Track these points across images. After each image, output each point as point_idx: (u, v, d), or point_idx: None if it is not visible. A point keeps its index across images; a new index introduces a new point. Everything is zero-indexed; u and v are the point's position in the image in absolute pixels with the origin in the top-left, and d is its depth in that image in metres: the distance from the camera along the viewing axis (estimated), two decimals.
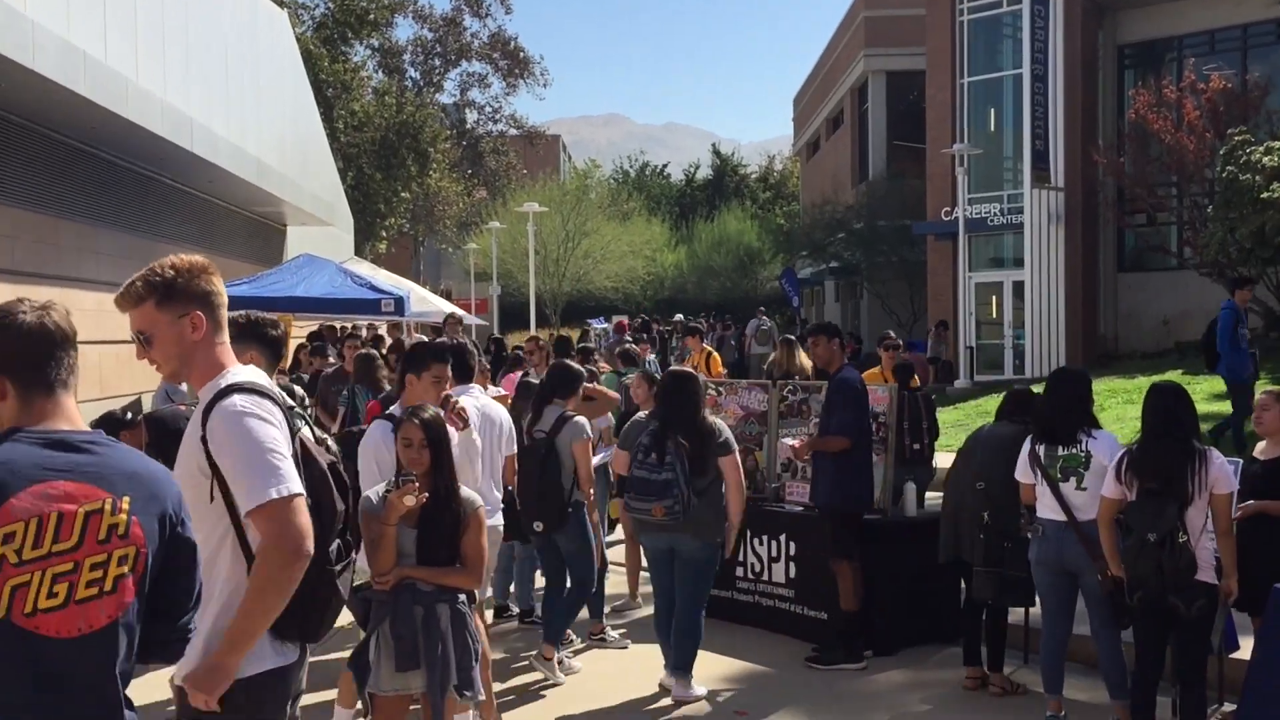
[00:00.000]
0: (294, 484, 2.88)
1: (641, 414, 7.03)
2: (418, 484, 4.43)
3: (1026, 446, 6.00)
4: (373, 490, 4.67)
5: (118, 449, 2.45)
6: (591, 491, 6.95)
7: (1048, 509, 5.87)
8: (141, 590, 2.40)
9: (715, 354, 15.86)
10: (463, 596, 4.59)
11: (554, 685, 6.73)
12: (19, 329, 2.45)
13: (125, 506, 2.37)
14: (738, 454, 6.54)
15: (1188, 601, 5.26)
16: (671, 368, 8.13)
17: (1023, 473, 5.99)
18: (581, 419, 6.96)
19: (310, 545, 2.86)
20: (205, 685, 2.85)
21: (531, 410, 7.03)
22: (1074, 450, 5.81)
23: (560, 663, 6.84)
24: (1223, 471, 5.32)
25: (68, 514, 2.30)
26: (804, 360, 9.93)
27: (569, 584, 7.03)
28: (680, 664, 6.43)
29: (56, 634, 2.28)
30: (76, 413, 2.50)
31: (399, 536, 4.48)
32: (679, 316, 35.03)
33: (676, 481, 6.17)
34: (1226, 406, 14.59)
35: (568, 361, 7.78)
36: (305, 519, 2.87)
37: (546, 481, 6.72)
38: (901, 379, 9.63)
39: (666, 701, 6.48)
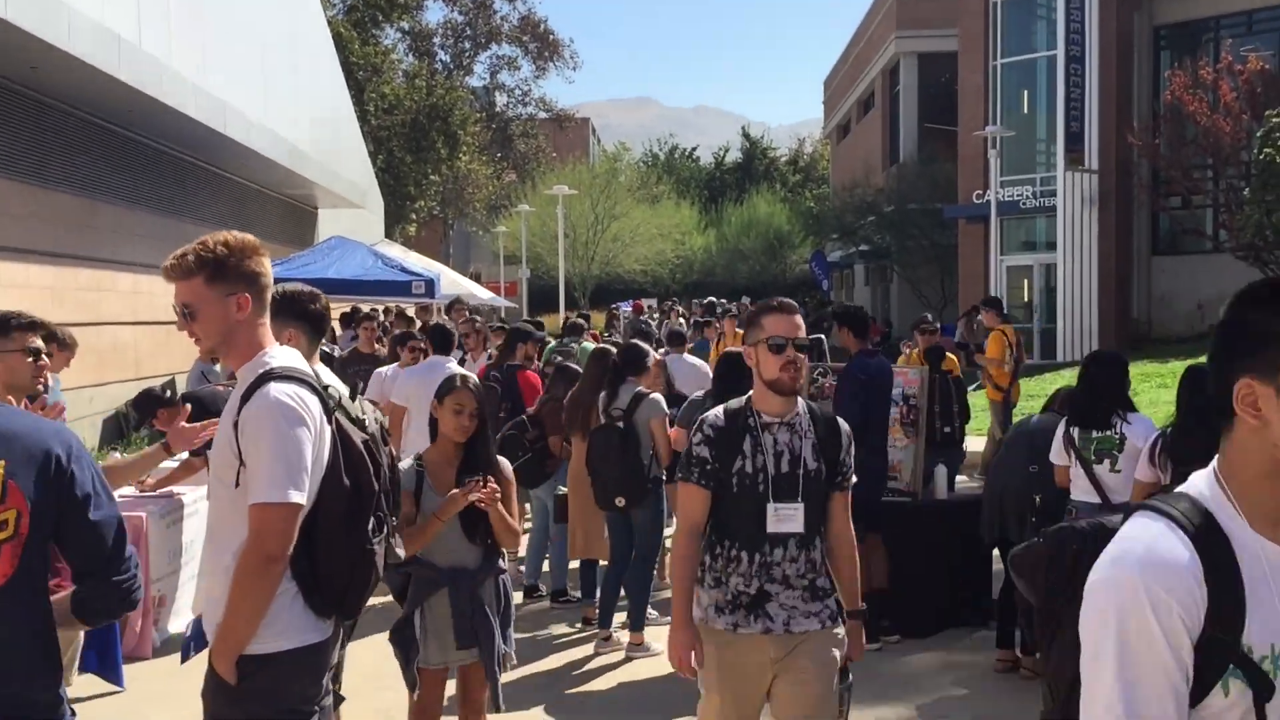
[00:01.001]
0: (301, 494, 2.91)
1: (699, 393, 7.28)
2: (485, 484, 4.37)
3: (1060, 429, 5.99)
4: (409, 464, 4.61)
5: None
6: None
7: (1081, 491, 5.87)
8: (35, 549, 2.40)
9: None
10: (505, 572, 4.65)
11: (586, 667, 6.80)
12: None
13: (0, 470, 2.35)
14: None
15: None
16: (727, 349, 8.19)
17: (1057, 455, 5.99)
18: (657, 395, 7.21)
19: (284, 559, 2.89)
20: (220, 669, 2.94)
21: (607, 389, 7.14)
22: (1108, 433, 5.80)
23: (641, 642, 6.97)
24: None
25: None
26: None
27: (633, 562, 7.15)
28: None
29: None
30: None
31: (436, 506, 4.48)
32: (710, 299, 35.04)
33: None
34: None
35: (638, 341, 7.93)
36: (292, 531, 2.91)
37: (628, 458, 6.88)
38: (933, 362, 9.62)
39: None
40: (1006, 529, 6.53)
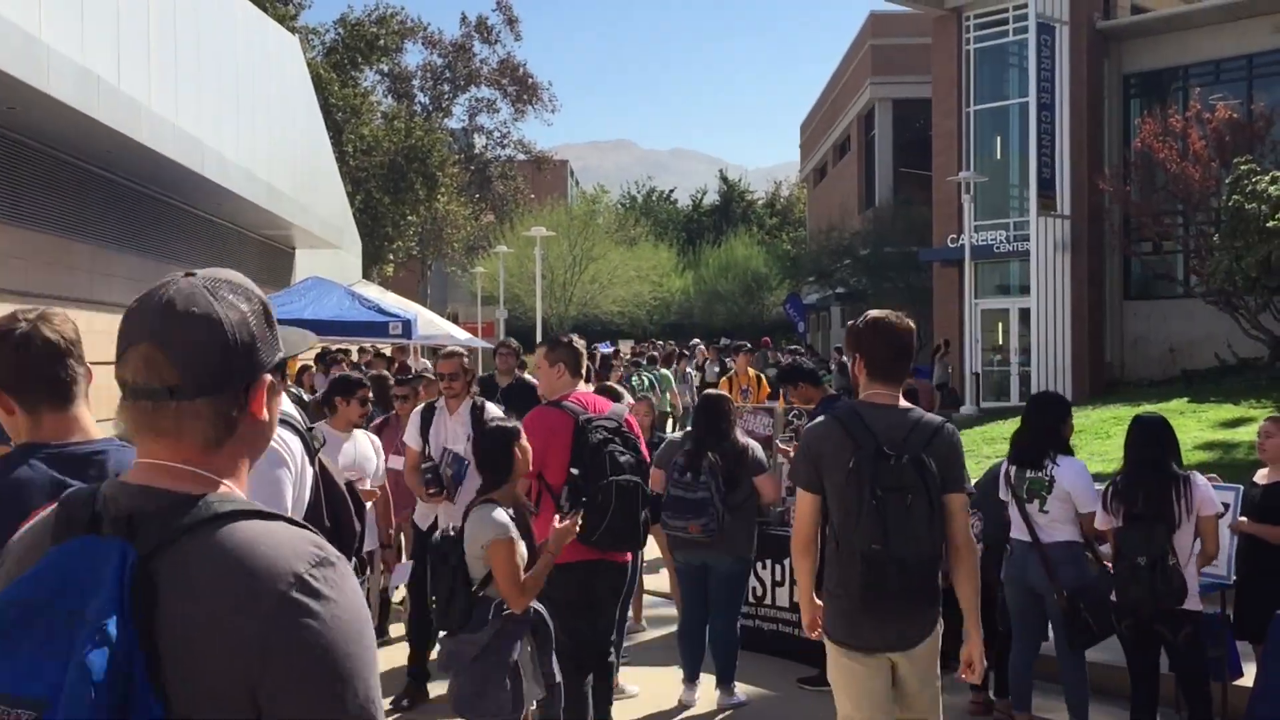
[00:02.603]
0: None
1: (676, 434, 7.30)
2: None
3: (1001, 468, 6.12)
4: (500, 512, 4.54)
5: (125, 453, 2.43)
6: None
7: (1017, 530, 5.99)
8: None
9: (762, 375, 16.21)
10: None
11: None
12: (14, 342, 2.44)
13: None
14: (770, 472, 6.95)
15: (1174, 630, 5.33)
16: (706, 391, 8.23)
17: (1003, 493, 6.10)
18: None
19: None
20: None
21: None
22: (1040, 474, 5.90)
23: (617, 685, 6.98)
24: (1207, 494, 5.41)
25: None
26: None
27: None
28: (724, 674, 6.75)
29: None
30: (89, 421, 2.48)
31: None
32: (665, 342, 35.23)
33: (711, 500, 6.37)
34: (1231, 435, 14.62)
35: (613, 384, 7.94)
36: None
37: None
38: None
39: (687, 714, 6.66)
40: (986, 569, 6.57)
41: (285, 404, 3.15)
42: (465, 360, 6.82)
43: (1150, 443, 5.51)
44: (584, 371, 5.67)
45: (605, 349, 34.53)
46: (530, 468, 4.79)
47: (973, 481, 7.24)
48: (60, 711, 1.27)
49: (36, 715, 1.28)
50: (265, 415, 1.54)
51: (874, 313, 4.35)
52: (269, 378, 1.54)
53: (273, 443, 2.93)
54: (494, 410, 6.94)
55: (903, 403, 4.21)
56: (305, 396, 10.80)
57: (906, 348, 4.25)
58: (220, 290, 1.51)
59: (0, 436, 8.11)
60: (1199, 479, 5.44)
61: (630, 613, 7.48)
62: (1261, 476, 6.19)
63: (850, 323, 4.51)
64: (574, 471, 5.15)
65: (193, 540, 1.39)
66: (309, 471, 3.06)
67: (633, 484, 5.21)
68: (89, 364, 2.58)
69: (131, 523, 1.41)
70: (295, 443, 3.03)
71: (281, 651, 1.34)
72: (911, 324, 4.33)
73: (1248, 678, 5.97)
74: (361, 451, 6.50)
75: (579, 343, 5.67)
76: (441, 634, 4.67)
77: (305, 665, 1.35)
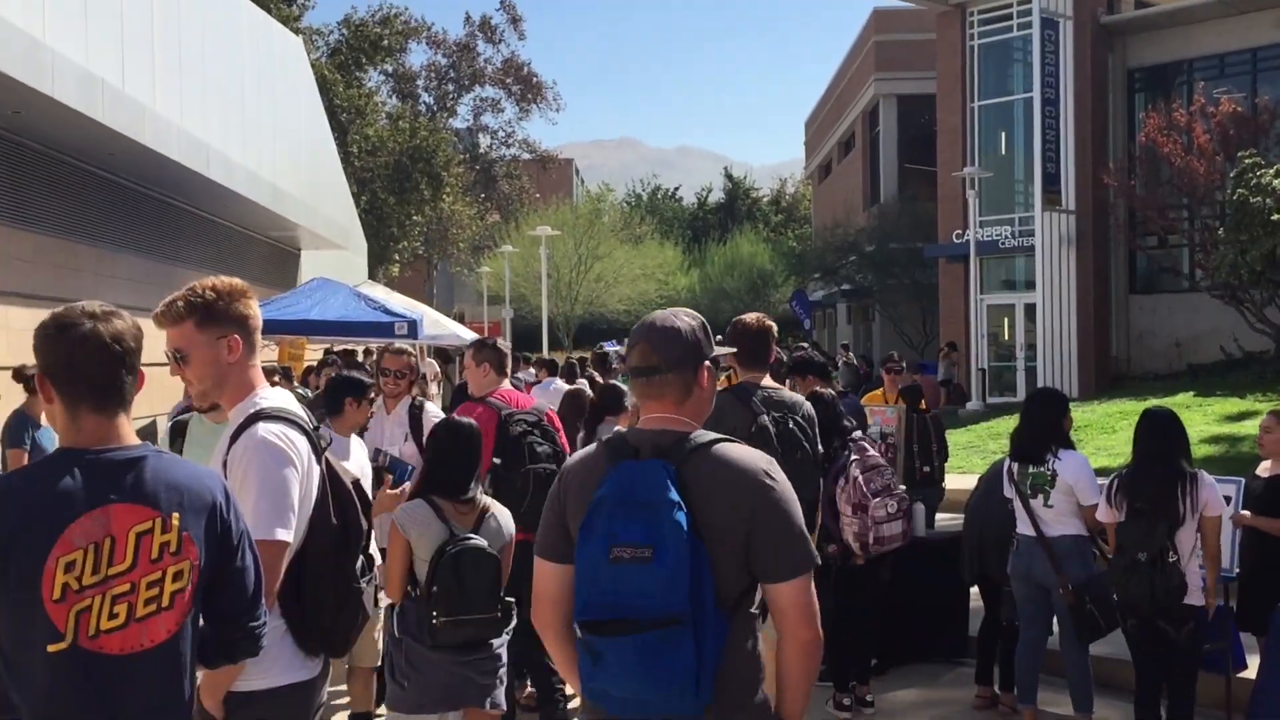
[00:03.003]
0: (287, 532, 2.95)
1: None
2: None
3: (1004, 464, 6.14)
4: (413, 505, 4.66)
5: (162, 459, 2.47)
6: None
7: (1022, 524, 6.01)
8: (198, 599, 2.47)
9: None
10: None
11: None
12: (74, 339, 2.42)
13: (175, 523, 2.41)
14: None
15: (1177, 626, 5.34)
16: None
17: (1007, 489, 6.12)
18: None
19: (271, 596, 2.90)
20: (206, 705, 2.94)
21: (585, 429, 7.21)
22: (1042, 469, 5.92)
23: None
24: (1213, 493, 5.40)
25: (119, 537, 2.36)
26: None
27: None
28: None
29: (120, 651, 2.35)
30: (128, 428, 2.49)
31: None
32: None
33: None
34: (1237, 428, 14.62)
35: (616, 383, 7.97)
36: (278, 569, 2.93)
37: None
38: (910, 401, 9.69)
39: None
40: (987, 565, 6.60)
41: (293, 403, 3.17)
42: (412, 360, 6.70)
43: (1158, 436, 5.51)
44: (508, 370, 6.37)
45: (611, 347, 34.58)
46: None
47: (975, 477, 7.29)
48: (669, 549, 2.37)
49: (652, 551, 2.37)
50: (707, 386, 2.69)
51: (739, 317, 5.23)
52: (708, 363, 2.69)
53: (278, 441, 2.98)
54: (434, 409, 6.63)
55: (768, 381, 5.13)
56: (311, 395, 10.84)
57: (765, 342, 5.12)
58: (679, 314, 2.72)
59: (15, 439, 7.96)
60: (1206, 477, 5.43)
61: None
62: (1263, 470, 6.20)
63: (730, 325, 5.23)
64: (496, 461, 5.67)
65: (697, 457, 2.54)
66: (315, 470, 3.08)
67: (548, 472, 5.64)
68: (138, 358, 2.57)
69: (659, 450, 2.56)
70: (302, 442, 3.04)
71: (762, 511, 2.51)
72: (770, 323, 5.19)
73: (1251, 669, 5.98)
74: (360, 455, 5.71)
75: (504, 345, 6.35)
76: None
77: (776, 517, 2.52)
